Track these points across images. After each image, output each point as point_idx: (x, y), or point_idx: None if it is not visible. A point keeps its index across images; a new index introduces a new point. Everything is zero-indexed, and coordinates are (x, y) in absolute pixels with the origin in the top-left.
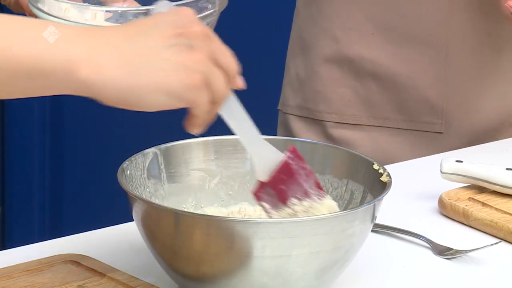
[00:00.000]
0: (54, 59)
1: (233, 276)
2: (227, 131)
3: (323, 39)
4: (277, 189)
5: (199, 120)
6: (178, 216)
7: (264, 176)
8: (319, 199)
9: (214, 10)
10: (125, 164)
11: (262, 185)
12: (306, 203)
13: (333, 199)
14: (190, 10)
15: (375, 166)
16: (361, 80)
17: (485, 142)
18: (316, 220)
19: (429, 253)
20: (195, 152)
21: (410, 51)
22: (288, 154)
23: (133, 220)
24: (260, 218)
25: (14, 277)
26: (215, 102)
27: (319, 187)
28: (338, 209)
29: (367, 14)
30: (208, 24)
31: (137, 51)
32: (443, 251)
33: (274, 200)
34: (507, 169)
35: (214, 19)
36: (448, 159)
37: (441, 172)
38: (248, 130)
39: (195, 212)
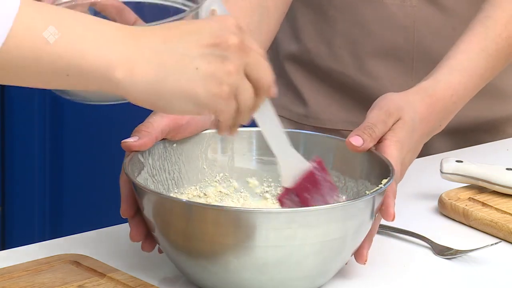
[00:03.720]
0: (94, 60)
1: (236, 263)
2: None
3: (297, 48)
4: (301, 196)
5: (225, 126)
6: (190, 206)
7: (289, 183)
8: None
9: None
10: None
11: (287, 191)
12: None
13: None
14: (232, 20)
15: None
16: (335, 88)
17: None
18: (318, 210)
19: (429, 253)
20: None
21: (377, 64)
22: (314, 164)
23: None
24: (264, 208)
25: (14, 277)
26: (240, 112)
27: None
28: None
29: (334, 28)
30: None
31: (172, 57)
32: (443, 251)
33: (297, 207)
34: (507, 169)
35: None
36: (448, 159)
37: (441, 172)
38: (279, 136)
39: (205, 203)
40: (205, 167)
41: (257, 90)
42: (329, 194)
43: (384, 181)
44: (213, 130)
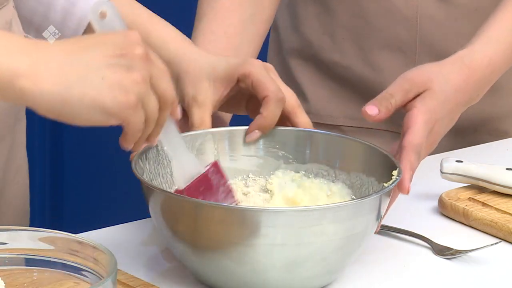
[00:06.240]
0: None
1: (241, 260)
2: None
3: (299, 42)
4: (192, 197)
5: (132, 137)
6: (198, 207)
7: (181, 184)
8: None
9: None
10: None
11: (178, 192)
12: None
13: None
14: (136, 34)
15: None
16: (337, 82)
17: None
18: (324, 209)
19: (429, 253)
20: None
21: (380, 56)
22: (210, 168)
23: (133, 220)
24: (270, 207)
25: (14, 273)
26: (148, 123)
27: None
28: None
29: (336, 20)
30: None
31: (76, 67)
32: (443, 251)
33: None
34: (507, 169)
35: None
36: (448, 159)
37: (441, 172)
38: (174, 139)
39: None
40: None
41: (161, 104)
42: (224, 198)
43: (395, 172)
44: (197, 132)
